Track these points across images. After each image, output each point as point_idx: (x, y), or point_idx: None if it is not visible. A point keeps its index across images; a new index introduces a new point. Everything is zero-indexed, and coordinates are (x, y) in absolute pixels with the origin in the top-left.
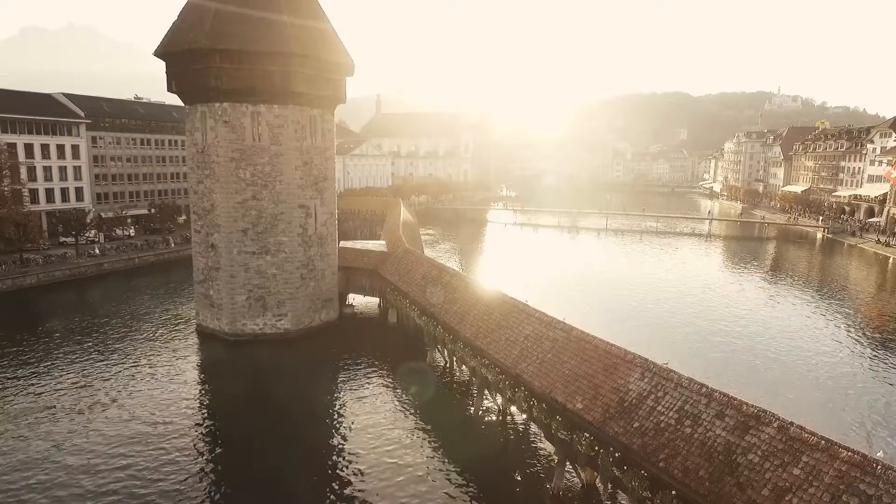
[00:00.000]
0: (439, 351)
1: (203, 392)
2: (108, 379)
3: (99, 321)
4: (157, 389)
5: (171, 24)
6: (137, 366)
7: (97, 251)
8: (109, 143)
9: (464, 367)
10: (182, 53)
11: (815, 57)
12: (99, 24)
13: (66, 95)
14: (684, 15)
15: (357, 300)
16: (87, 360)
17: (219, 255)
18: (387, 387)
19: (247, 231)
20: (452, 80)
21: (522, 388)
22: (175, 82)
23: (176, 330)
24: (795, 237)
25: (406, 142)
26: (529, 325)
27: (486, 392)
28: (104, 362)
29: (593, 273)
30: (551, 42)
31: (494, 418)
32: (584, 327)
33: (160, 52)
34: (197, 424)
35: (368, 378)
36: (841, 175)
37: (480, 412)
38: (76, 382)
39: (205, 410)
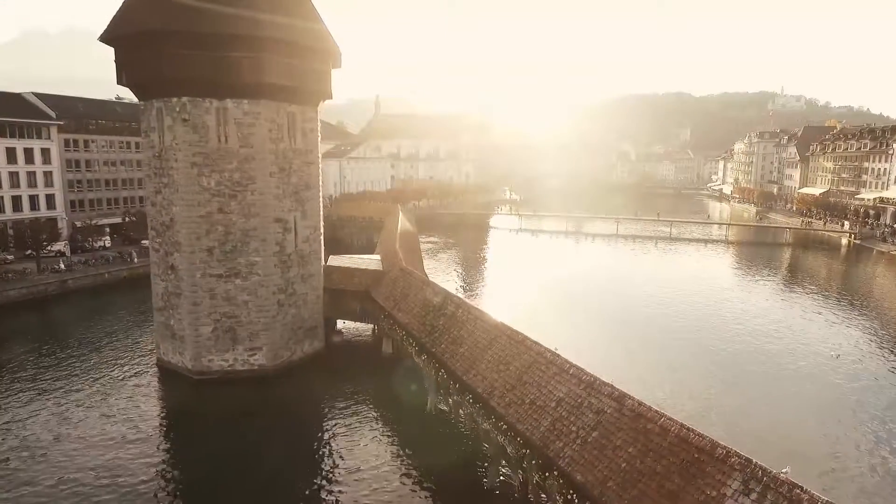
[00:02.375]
0: (442, 398)
1: (161, 441)
2: (49, 422)
3: (49, 350)
4: (106, 438)
5: (120, 4)
6: (82, 407)
7: (62, 266)
8: (85, 146)
9: (473, 424)
10: (131, 37)
11: (818, 56)
12: (100, 27)
13: (37, 95)
14: (685, 14)
15: (347, 325)
16: (27, 397)
17: (179, 279)
18: (379, 438)
19: (212, 250)
20: (453, 81)
21: (556, 475)
22: (125, 73)
23: (135, 363)
24: (819, 243)
25: (406, 143)
26: (563, 386)
27: (504, 462)
28: (46, 401)
29: (614, 289)
30: (551, 42)
31: (516, 497)
32: (615, 358)
33: (106, 37)
34: (151, 479)
35: (357, 426)
36: (864, 176)
37: (496, 486)
38: (8, 428)
39: (161, 462)
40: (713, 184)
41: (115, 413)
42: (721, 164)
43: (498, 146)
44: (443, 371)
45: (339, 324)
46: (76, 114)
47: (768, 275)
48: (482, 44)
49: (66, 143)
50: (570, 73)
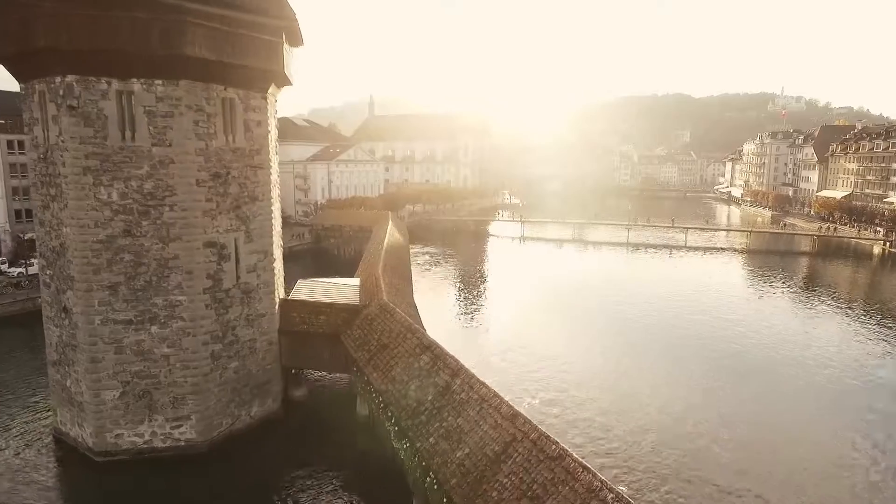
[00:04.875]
0: None
1: None
2: None
3: None
4: None
5: None
6: None
7: None
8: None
9: None
10: None
11: (817, 57)
12: None
13: None
14: (685, 15)
15: (314, 373)
16: None
17: (75, 326)
18: None
19: (117, 288)
20: (450, 81)
21: None
22: None
23: (35, 430)
24: (846, 251)
25: (401, 146)
26: None
27: None
28: None
29: (635, 309)
30: (550, 43)
31: None
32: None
33: None
34: None
35: None
36: (893, 178)
37: None
38: None
39: None
40: (720, 186)
41: None
42: (728, 165)
43: (497, 148)
44: (434, 480)
45: (304, 374)
46: (20, 112)
47: (812, 294)
48: (481, 43)
49: (10, 144)
50: (568, 74)
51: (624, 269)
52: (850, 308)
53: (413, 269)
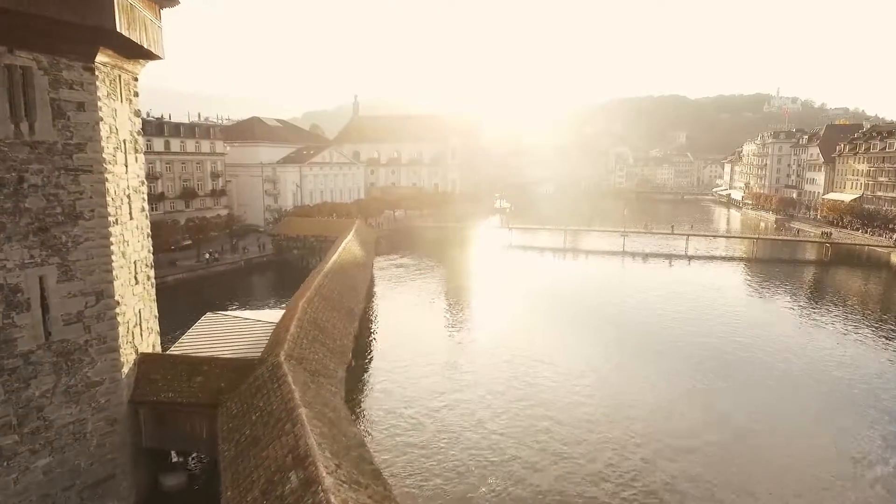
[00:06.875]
0: None
1: None
2: None
3: None
4: None
5: None
6: None
7: None
8: None
9: None
10: None
11: (813, 58)
12: None
13: None
14: (680, 16)
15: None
16: None
17: None
18: None
19: None
20: (443, 83)
21: None
22: None
23: None
24: (858, 259)
25: (387, 148)
26: None
27: None
28: None
29: (641, 338)
30: (545, 44)
31: None
32: None
33: None
34: None
35: None
36: None
37: None
38: None
39: None
40: (718, 188)
41: None
42: (727, 167)
43: (487, 150)
44: None
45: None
46: None
47: (835, 309)
48: (475, 43)
49: None
50: (563, 76)
51: (620, 282)
52: (879, 324)
53: (380, 284)
